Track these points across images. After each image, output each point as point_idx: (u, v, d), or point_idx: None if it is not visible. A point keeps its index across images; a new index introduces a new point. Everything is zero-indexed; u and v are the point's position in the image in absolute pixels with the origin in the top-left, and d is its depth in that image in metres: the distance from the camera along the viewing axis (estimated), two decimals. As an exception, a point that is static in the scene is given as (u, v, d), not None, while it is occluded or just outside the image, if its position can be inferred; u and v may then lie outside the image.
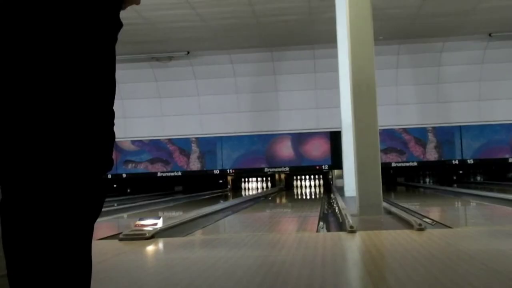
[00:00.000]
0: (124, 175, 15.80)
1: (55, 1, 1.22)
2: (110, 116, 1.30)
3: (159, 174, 16.00)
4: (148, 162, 16.03)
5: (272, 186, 16.63)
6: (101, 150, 1.27)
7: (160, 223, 4.70)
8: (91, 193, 1.26)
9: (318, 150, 15.66)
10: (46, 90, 1.20)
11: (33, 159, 1.19)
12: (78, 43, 1.23)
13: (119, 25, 1.33)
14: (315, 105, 15.33)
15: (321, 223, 6.06)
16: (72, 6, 1.23)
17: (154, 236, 4.39)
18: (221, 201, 11.40)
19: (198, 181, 16.13)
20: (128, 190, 16.12)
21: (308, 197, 13.07)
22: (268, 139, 15.77)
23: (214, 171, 15.92)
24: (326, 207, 8.38)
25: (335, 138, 14.52)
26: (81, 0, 1.24)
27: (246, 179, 17.21)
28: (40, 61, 1.20)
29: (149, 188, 15.51)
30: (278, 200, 12.38)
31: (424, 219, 5.34)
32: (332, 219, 6.57)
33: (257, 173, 16.56)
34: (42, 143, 1.20)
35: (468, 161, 15.42)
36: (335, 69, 11.19)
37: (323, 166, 15.75)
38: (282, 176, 17.26)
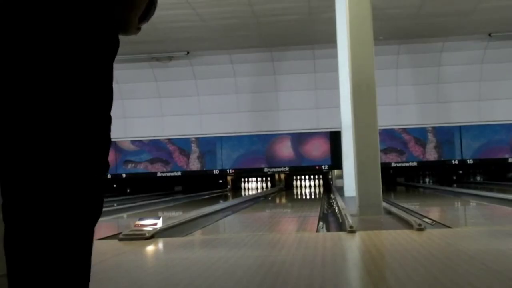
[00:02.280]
0: (124, 175, 15.79)
1: (56, 18, 1.24)
2: (106, 122, 1.33)
3: (159, 174, 16.00)
4: (148, 162, 16.02)
5: (272, 186, 16.63)
6: (97, 154, 1.30)
7: (160, 223, 4.70)
8: (89, 195, 1.27)
9: (318, 150, 15.65)
10: (45, 97, 1.23)
11: (31, 162, 1.22)
12: (76, 58, 1.26)
13: (117, 44, 1.37)
14: (315, 105, 15.33)
15: (321, 223, 6.06)
16: (71, 24, 1.25)
17: (154, 236, 4.39)
18: (221, 201, 11.40)
19: (198, 181, 16.13)
20: (128, 190, 16.11)
21: (308, 197, 13.06)
22: (268, 139, 15.76)
23: (214, 171, 15.91)
24: (326, 207, 8.38)
25: (335, 138, 14.51)
26: (80, 19, 1.26)
27: (246, 179, 17.21)
28: (39, 69, 1.23)
29: (149, 188, 15.50)
30: (278, 200, 12.38)
31: (424, 219, 5.35)
32: (332, 219, 6.57)
33: (257, 173, 16.56)
34: (39, 146, 1.22)
35: (468, 161, 15.42)
36: (335, 69, 11.19)
37: (323, 166, 15.75)
38: (282, 176, 17.25)
